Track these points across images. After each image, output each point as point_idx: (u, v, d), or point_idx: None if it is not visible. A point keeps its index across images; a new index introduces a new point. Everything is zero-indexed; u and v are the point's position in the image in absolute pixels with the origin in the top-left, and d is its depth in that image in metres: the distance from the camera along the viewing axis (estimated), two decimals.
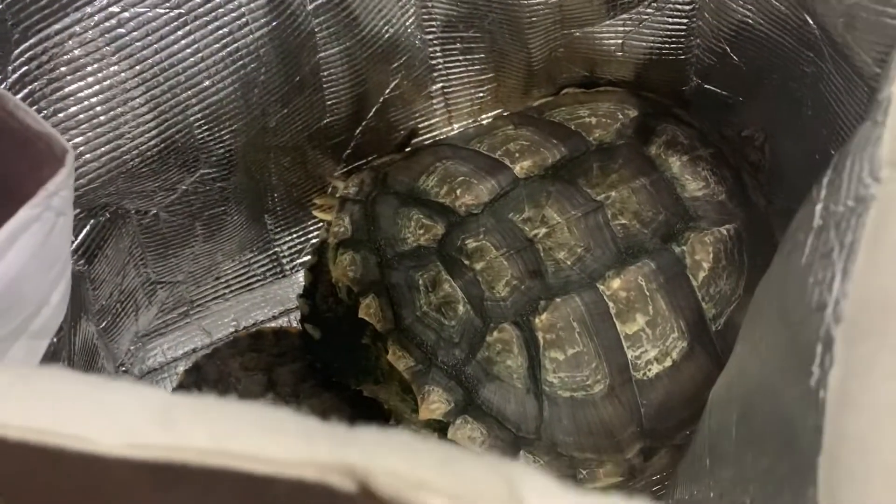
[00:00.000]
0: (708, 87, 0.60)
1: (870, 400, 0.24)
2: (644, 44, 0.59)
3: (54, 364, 0.38)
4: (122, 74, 0.41)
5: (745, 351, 0.35)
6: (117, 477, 0.19)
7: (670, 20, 0.57)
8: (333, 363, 0.55)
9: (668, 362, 0.51)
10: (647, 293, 0.51)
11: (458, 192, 0.54)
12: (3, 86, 0.36)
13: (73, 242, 0.46)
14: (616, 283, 0.51)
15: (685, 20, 0.57)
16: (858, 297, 0.25)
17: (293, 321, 0.64)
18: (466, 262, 0.51)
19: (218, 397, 0.19)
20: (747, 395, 0.32)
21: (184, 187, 0.50)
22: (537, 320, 0.50)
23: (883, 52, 0.39)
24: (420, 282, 0.51)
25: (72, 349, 0.44)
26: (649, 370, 0.51)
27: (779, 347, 0.29)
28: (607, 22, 0.58)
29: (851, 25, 0.42)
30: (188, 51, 0.43)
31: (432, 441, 0.18)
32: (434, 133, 0.65)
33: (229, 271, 0.63)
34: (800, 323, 0.27)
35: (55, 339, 0.36)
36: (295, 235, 0.64)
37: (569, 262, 0.51)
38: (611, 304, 0.51)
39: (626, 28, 0.59)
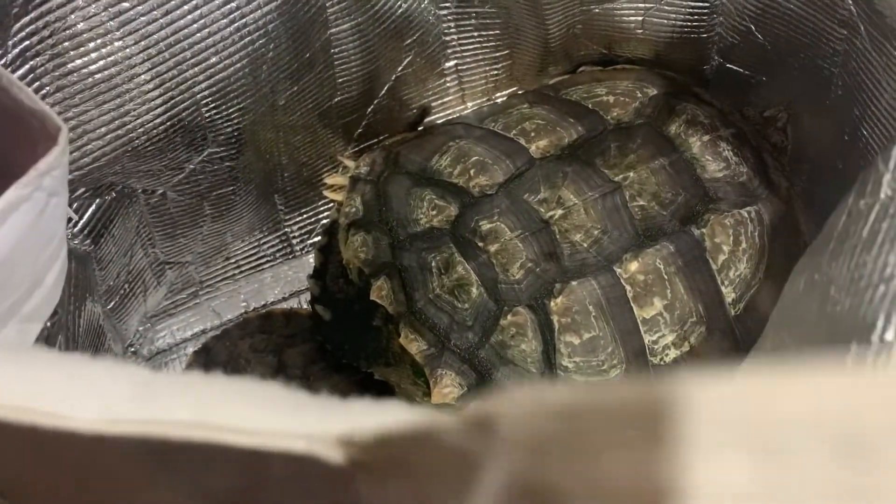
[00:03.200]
0: (730, 66, 0.58)
1: None
2: (665, 21, 0.58)
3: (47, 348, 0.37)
4: (127, 50, 0.40)
5: (780, 325, 0.34)
6: (108, 458, 0.18)
7: None
8: (344, 345, 0.54)
9: (685, 347, 0.50)
10: (666, 276, 0.50)
11: (472, 172, 0.53)
12: (2, 61, 0.35)
13: (77, 222, 0.45)
14: (633, 265, 0.50)
15: None
16: None
17: (303, 302, 0.63)
18: (480, 244, 0.50)
19: (203, 374, 0.18)
20: None
21: (191, 166, 0.49)
22: (552, 304, 0.48)
23: None
24: (433, 264, 0.50)
25: (76, 330, 0.43)
26: (666, 355, 0.50)
27: (821, 322, 0.28)
28: None
29: None
30: (195, 26, 0.42)
31: (421, 408, 0.17)
32: (447, 112, 0.64)
33: (239, 252, 0.62)
34: (855, 296, 0.26)
35: (49, 324, 0.35)
36: (305, 216, 0.63)
37: (585, 245, 0.50)
38: (628, 288, 0.50)
39: (647, 5, 0.57)
